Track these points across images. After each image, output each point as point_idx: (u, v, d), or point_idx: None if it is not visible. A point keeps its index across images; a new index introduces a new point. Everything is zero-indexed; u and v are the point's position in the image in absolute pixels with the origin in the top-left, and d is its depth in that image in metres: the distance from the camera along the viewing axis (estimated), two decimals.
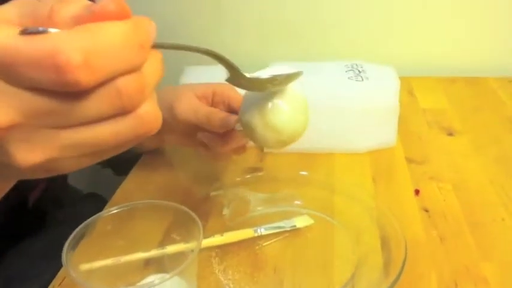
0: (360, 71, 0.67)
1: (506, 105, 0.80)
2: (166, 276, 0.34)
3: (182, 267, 0.34)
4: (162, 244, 0.42)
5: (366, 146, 0.66)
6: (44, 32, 0.21)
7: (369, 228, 0.50)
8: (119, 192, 0.59)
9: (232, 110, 0.52)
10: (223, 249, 0.49)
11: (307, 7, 0.94)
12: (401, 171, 0.62)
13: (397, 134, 0.67)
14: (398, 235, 0.46)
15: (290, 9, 0.95)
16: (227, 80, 0.35)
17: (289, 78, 0.38)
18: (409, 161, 0.64)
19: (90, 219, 0.38)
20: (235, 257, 0.48)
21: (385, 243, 0.47)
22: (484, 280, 0.44)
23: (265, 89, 0.38)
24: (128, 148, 0.28)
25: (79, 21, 0.22)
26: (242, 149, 0.52)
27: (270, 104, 0.40)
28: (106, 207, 0.55)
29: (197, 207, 0.50)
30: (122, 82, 0.23)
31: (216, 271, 0.46)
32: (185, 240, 0.40)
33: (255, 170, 0.62)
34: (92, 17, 0.22)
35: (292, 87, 0.41)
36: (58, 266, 0.47)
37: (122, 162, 0.69)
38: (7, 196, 0.36)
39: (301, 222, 0.51)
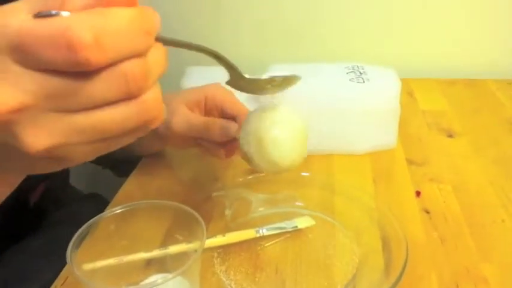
0: (361, 73, 0.67)
1: (506, 107, 0.80)
2: (169, 276, 0.34)
3: (185, 267, 0.34)
4: (164, 244, 0.42)
5: (367, 148, 0.66)
6: (56, 15, 0.22)
7: (369, 229, 0.50)
8: (120, 193, 0.59)
9: (226, 115, 0.52)
10: (225, 250, 0.49)
11: (307, 8, 0.94)
12: (401, 173, 0.62)
13: (398, 135, 0.68)
14: (399, 236, 0.46)
15: (290, 11, 0.95)
16: (227, 83, 0.36)
17: (287, 80, 0.39)
18: (410, 162, 0.64)
19: (93, 219, 0.39)
20: (237, 258, 0.48)
21: (385, 244, 0.47)
22: (484, 281, 0.44)
23: (264, 90, 0.39)
24: (132, 140, 0.28)
25: (90, 7, 0.23)
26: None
27: (269, 137, 0.41)
28: (108, 207, 0.55)
29: (199, 208, 0.50)
30: (128, 65, 0.24)
31: (218, 271, 0.46)
32: (188, 240, 0.40)
33: (257, 171, 0.62)
34: (101, 3, 0.23)
35: (292, 117, 0.42)
36: (58, 265, 0.47)
37: (122, 164, 0.69)
38: (8, 195, 0.36)
39: (302, 223, 0.52)
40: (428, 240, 0.50)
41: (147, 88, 0.25)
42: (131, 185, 0.62)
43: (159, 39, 0.26)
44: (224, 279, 0.45)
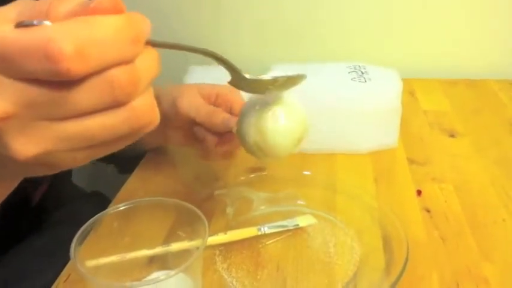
0: (362, 73, 0.67)
1: (507, 108, 0.80)
2: (172, 272, 0.34)
3: (188, 264, 0.35)
4: (167, 241, 0.42)
5: (368, 147, 0.66)
6: (38, 24, 0.22)
7: (370, 228, 0.50)
8: (123, 190, 0.60)
9: (233, 114, 0.52)
10: (226, 248, 0.49)
11: (307, 8, 0.94)
12: (402, 172, 0.62)
13: (399, 135, 0.68)
14: (400, 235, 0.46)
15: (290, 11, 0.95)
16: (229, 83, 0.36)
17: (290, 80, 0.38)
18: (411, 162, 0.64)
19: (96, 216, 0.39)
20: (238, 255, 0.48)
21: (386, 243, 0.48)
22: (485, 280, 0.44)
23: (267, 91, 0.38)
24: (125, 144, 0.28)
25: (75, 16, 0.23)
26: (230, 154, 0.52)
27: (267, 122, 0.41)
28: (111, 204, 0.56)
29: (201, 206, 0.50)
30: (114, 73, 0.23)
31: (220, 269, 0.47)
32: (190, 238, 0.41)
33: (258, 169, 0.63)
34: (87, 12, 0.23)
35: (291, 101, 0.42)
36: (60, 263, 0.47)
37: (125, 160, 0.70)
38: (11, 194, 0.36)
39: (304, 221, 0.52)
40: (429, 240, 0.50)
41: (136, 95, 0.25)
42: (134, 182, 0.62)
43: (155, 44, 0.26)
44: (226, 276, 0.46)
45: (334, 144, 0.66)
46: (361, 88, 0.64)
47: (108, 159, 0.74)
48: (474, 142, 0.69)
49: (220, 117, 0.49)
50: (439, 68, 0.95)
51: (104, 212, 0.40)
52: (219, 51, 0.31)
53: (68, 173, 0.77)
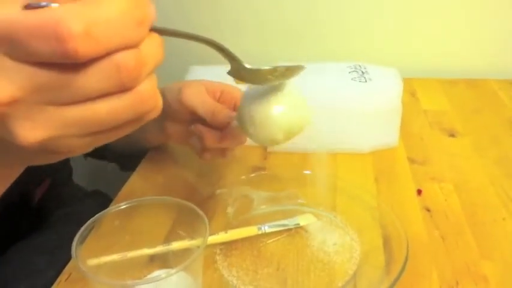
0: (363, 72, 0.67)
1: (507, 107, 0.80)
2: (172, 271, 0.35)
3: (188, 262, 0.35)
4: (168, 240, 0.43)
5: (369, 146, 0.66)
6: (46, 6, 0.22)
7: (370, 227, 0.50)
8: (124, 189, 0.60)
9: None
10: (227, 246, 0.49)
11: (308, 8, 0.95)
12: (403, 172, 0.62)
13: (399, 134, 0.68)
14: (400, 234, 0.47)
15: (290, 11, 0.95)
16: (229, 73, 0.35)
17: (290, 70, 0.38)
18: (411, 161, 0.65)
19: (98, 214, 0.39)
20: (239, 254, 0.48)
21: (387, 242, 0.48)
22: (484, 279, 0.44)
23: (266, 81, 0.38)
24: (129, 131, 0.28)
25: None
26: (226, 152, 0.52)
27: (269, 104, 0.40)
28: (112, 203, 0.56)
29: (202, 205, 0.50)
30: (121, 57, 0.24)
31: (220, 268, 0.47)
32: (191, 236, 0.41)
33: (259, 169, 0.63)
34: None
35: (291, 87, 0.41)
36: (61, 262, 0.47)
37: (127, 158, 0.70)
38: (12, 192, 0.36)
39: (304, 220, 0.52)
40: (429, 239, 0.50)
41: (142, 79, 0.25)
42: (135, 181, 0.62)
43: (156, 30, 0.26)
44: (226, 275, 0.46)
45: (334, 143, 0.66)
46: (361, 88, 0.64)
47: (111, 158, 0.74)
48: (474, 142, 0.69)
49: (223, 112, 0.49)
50: (439, 67, 0.95)
51: (105, 211, 0.40)
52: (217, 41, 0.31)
53: (68, 172, 0.78)
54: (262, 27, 0.98)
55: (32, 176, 0.34)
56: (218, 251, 0.49)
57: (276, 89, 0.41)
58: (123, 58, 0.24)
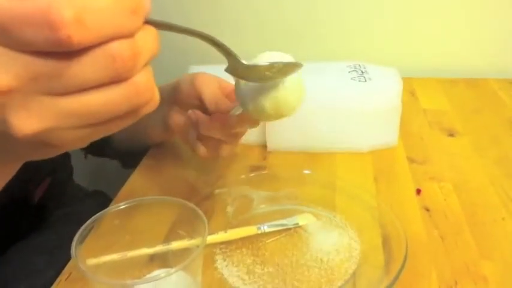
0: (362, 72, 0.67)
1: (507, 107, 0.80)
2: (172, 270, 0.35)
3: (188, 261, 0.35)
4: (167, 239, 0.43)
5: (368, 146, 0.67)
6: None
7: (370, 227, 0.51)
8: (124, 189, 0.60)
9: None
10: (226, 246, 0.49)
11: (308, 8, 0.95)
12: (402, 171, 0.62)
13: (399, 134, 0.68)
14: (399, 234, 0.47)
15: (290, 11, 0.96)
16: (226, 70, 0.35)
17: (287, 67, 0.38)
18: (411, 161, 0.65)
19: (97, 214, 0.39)
20: (238, 254, 0.48)
21: (386, 242, 0.48)
22: (483, 279, 0.44)
23: (264, 77, 0.38)
24: (125, 125, 0.28)
25: None
26: (217, 147, 0.51)
27: (275, 98, 0.40)
28: (112, 203, 0.56)
29: (201, 205, 0.51)
30: (115, 46, 0.24)
31: (220, 267, 0.47)
32: (190, 236, 0.41)
33: (259, 168, 0.63)
34: None
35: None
36: (61, 262, 0.47)
37: (129, 156, 0.70)
38: (12, 191, 0.36)
39: (303, 220, 0.52)
40: (428, 238, 0.50)
41: (137, 70, 0.25)
42: (135, 181, 0.62)
43: (150, 22, 0.26)
44: (226, 275, 0.46)
45: (334, 143, 0.66)
46: (361, 87, 0.64)
47: (113, 155, 0.74)
48: (474, 141, 0.69)
49: (225, 104, 0.50)
50: (439, 67, 0.95)
51: (105, 210, 0.40)
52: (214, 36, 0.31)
53: (69, 172, 0.78)
54: (262, 27, 0.98)
55: (32, 175, 0.34)
56: (218, 251, 0.49)
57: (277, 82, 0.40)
58: (118, 48, 0.24)
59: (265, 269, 0.46)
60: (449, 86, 0.89)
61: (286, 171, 0.61)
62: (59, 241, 0.58)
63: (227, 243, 0.50)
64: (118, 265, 0.40)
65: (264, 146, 0.68)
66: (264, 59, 0.38)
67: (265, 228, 0.51)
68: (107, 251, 0.39)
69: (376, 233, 0.49)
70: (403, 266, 0.42)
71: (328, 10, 0.95)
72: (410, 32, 0.94)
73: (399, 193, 0.58)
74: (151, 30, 0.26)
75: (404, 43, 0.96)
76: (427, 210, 0.54)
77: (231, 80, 0.46)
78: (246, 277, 0.46)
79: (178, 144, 0.69)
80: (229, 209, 0.54)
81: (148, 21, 0.25)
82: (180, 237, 0.42)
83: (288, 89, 0.40)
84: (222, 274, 0.46)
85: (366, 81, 0.65)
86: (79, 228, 0.38)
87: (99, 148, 0.70)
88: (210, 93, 0.51)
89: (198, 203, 0.50)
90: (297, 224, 0.52)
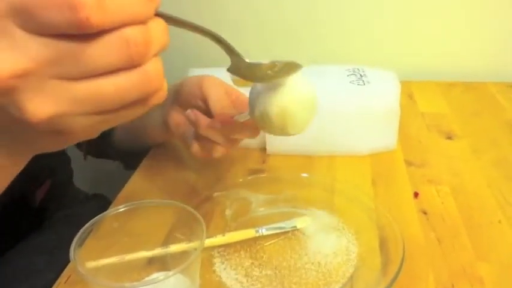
0: (361, 75, 0.68)
1: (505, 110, 0.81)
2: (170, 273, 0.35)
3: (186, 265, 0.35)
4: (166, 242, 0.43)
5: (367, 149, 0.67)
6: None
7: (368, 230, 0.51)
8: (123, 192, 0.60)
9: None
10: (225, 249, 0.50)
11: (308, 8, 0.95)
12: (400, 174, 0.63)
13: (397, 137, 0.68)
14: (397, 236, 0.47)
15: (291, 10, 0.96)
16: (228, 70, 0.36)
17: (288, 66, 0.38)
18: (409, 164, 0.65)
19: (96, 217, 0.39)
20: (236, 257, 0.49)
21: (383, 244, 0.48)
22: (480, 281, 0.45)
23: (266, 77, 0.38)
24: (135, 116, 0.28)
25: None
26: (211, 149, 0.51)
27: (282, 112, 0.41)
28: (111, 206, 0.56)
29: (200, 208, 0.51)
30: (129, 31, 0.24)
31: (218, 270, 0.47)
32: (188, 239, 0.41)
33: (257, 171, 0.63)
34: None
35: (299, 85, 0.42)
36: (61, 263, 0.48)
37: (131, 156, 0.70)
38: (13, 192, 0.37)
39: (301, 223, 0.52)
40: (426, 241, 0.50)
41: (149, 58, 0.26)
42: (134, 184, 0.63)
43: (159, 14, 0.26)
44: (224, 278, 0.46)
45: (332, 146, 0.67)
46: (359, 91, 0.65)
47: (115, 156, 0.75)
48: (472, 144, 0.69)
49: (231, 110, 0.50)
50: (437, 70, 0.96)
51: (104, 213, 0.40)
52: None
53: (69, 175, 0.78)
54: (262, 27, 0.98)
55: (32, 176, 0.34)
56: (216, 254, 0.49)
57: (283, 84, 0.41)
58: (132, 33, 0.24)
59: (263, 272, 0.47)
60: (447, 89, 0.89)
61: (285, 174, 0.61)
62: (58, 241, 0.58)
63: (225, 246, 0.50)
64: (117, 268, 0.40)
65: (263, 149, 0.68)
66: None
67: (264, 231, 0.51)
68: (105, 254, 0.40)
69: (373, 236, 0.50)
70: (400, 269, 0.43)
71: (328, 11, 0.95)
72: (408, 34, 0.95)
73: (397, 196, 0.58)
74: (161, 22, 0.27)
75: (403, 46, 0.96)
76: (425, 213, 0.55)
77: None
78: (244, 280, 0.46)
79: (179, 146, 0.69)
80: (228, 211, 0.55)
81: (157, 14, 0.26)
82: (179, 240, 0.42)
83: (299, 104, 0.41)
84: (220, 277, 0.46)
85: (364, 84, 0.65)
86: (79, 230, 0.38)
87: (100, 148, 0.70)
88: (215, 96, 0.52)
89: (197, 206, 0.51)
90: (295, 227, 0.52)
